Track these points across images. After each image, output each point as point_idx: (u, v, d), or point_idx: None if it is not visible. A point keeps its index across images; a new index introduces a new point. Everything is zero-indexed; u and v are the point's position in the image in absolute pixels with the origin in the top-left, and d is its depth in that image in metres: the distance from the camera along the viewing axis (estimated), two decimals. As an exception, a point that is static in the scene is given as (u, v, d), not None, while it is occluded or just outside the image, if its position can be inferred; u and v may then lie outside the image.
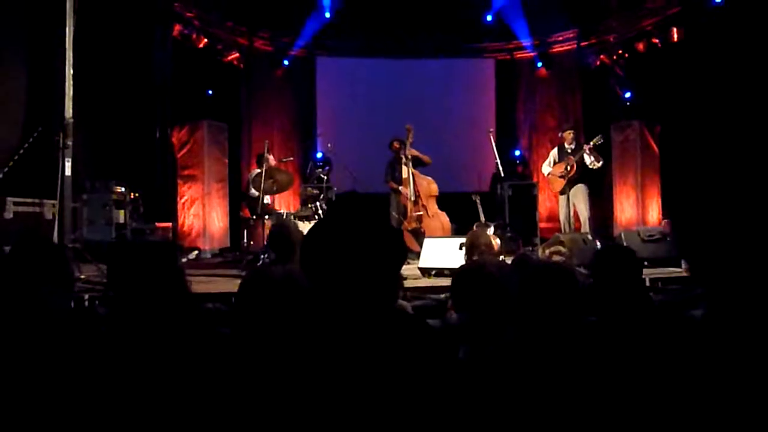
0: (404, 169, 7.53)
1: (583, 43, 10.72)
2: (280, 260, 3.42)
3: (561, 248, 4.28)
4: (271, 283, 1.87)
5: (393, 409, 1.32)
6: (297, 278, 1.83)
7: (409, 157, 7.47)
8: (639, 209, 9.04)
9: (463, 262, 4.08)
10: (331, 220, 1.51)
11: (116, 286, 1.92)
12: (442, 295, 4.61)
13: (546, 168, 8.14)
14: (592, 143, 7.57)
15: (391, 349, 1.37)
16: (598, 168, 7.71)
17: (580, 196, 7.78)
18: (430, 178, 7.57)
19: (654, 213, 9.06)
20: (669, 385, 1.64)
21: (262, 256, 6.22)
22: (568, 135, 7.93)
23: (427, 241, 6.10)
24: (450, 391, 1.39)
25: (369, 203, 1.65)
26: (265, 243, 6.55)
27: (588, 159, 7.60)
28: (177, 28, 8.84)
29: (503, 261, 4.55)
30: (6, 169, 5.77)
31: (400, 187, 7.59)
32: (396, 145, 7.72)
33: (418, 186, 7.41)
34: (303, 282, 1.76)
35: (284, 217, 7.14)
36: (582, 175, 7.73)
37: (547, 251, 4.30)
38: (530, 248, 8.08)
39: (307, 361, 1.37)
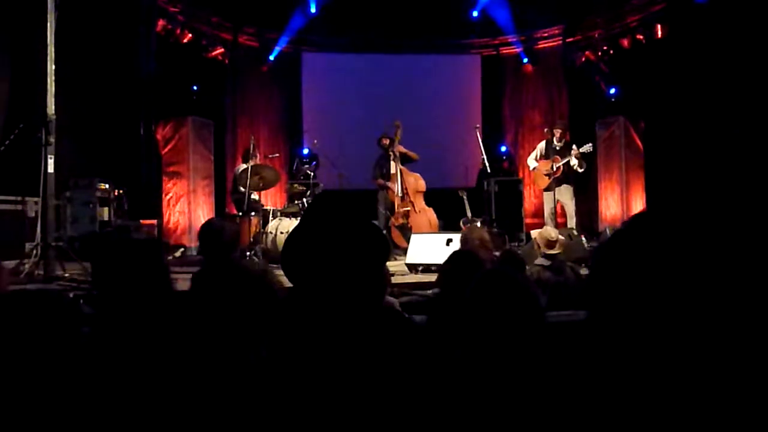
0: (392, 165, 7.54)
1: (568, 39, 10.77)
2: (212, 262, 3.15)
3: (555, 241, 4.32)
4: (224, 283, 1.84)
5: (378, 406, 1.32)
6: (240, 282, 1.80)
7: (397, 153, 7.47)
8: (624, 204, 9.12)
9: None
10: (312, 219, 1.50)
11: (100, 285, 1.90)
12: (429, 291, 4.63)
13: (532, 162, 8.16)
14: (581, 150, 7.54)
15: (376, 346, 1.37)
16: (580, 173, 7.76)
17: (566, 193, 7.82)
18: (417, 174, 7.58)
19: (638, 208, 9.13)
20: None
21: (248, 254, 6.20)
22: (558, 133, 7.95)
23: (414, 237, 6.11)
24: (436, 388, 1.39)
25: (349, 202, 1.64)
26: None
27: (573, 161, 7.65)
28: (161, 23, 8.75)
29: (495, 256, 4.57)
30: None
31: (388, 183, 7.59)
32: (385, 141, 7.72)
33: (406, 182, 7.42)
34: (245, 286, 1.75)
35: (270, 214, 7.12)
36: (567, 175, 7.76)
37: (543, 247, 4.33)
38: (516, 243, 8.12)
39: (295, 360, 1.36)
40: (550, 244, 4.42)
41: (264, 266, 3.19)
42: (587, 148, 7.57)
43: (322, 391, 1.33)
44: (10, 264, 4.88)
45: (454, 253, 3.23)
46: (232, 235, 3.35)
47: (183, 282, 3.04)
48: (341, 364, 1.34)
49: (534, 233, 4.77)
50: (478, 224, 7.40)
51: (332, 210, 1.48)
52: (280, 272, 3.35)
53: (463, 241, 4.41)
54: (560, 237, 4.63)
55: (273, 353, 1.45)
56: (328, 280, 1.38)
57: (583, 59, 10.49)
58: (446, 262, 3.09)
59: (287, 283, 1.64)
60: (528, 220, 9.32)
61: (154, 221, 7.87)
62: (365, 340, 1.38)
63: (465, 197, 7.76)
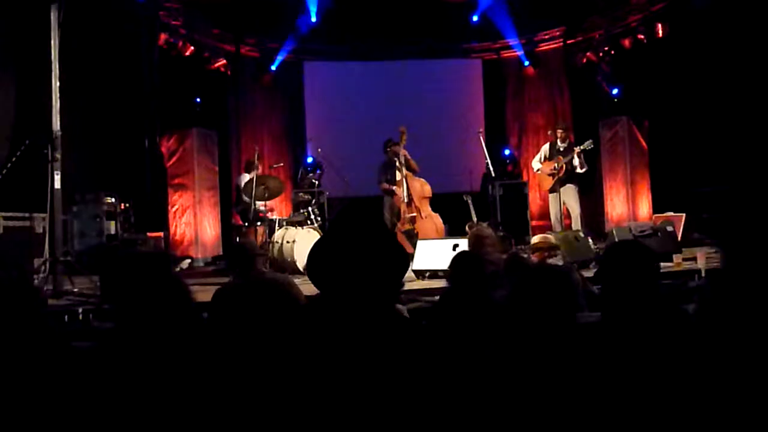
0: (398, 171, 7.54)
1: (569, 41, 10.78)
2: (241, 273, 3.69)
3: (556, 250, 4.31)
4: (246, 294, 1.90)
5: (390, 410, 1.34)
6: (269, 289, 1.88)
7: (403, 160, 7.47)
8: (629, 205, 9.09)
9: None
10: (340, 232, 1.54)
11: (110, 299, 1.92)
12: (437, 297, 4.63)
13: (536, 164, 8.17)
14: (582, 147, 7.57)
15: (386, 352, 1.39)
16: (582, 173, 7.76)
17: (570, 194, 7.81)
18: (423, 179, 7.58)
19: (644, 208, 9.11)
20: (669, 383, 1.65)
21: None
22: (560, 133, 7.96)
23: (420, 244, 6.11)
24: (446, 393, 1.40)
25: (374, 215, 1.68)
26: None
27: (575, 161, 7.65)
28: (163, 36, 8.80)
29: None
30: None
31: (394, 188, 7.59)
32: (392, 147, 7.71)
33: (411, 188, 7.42)
34: (274, 292, 1.84)
35: (276, 223, 7.14)
36: (571, 175, 7.76)
37: (542, 254, 4.33)
38: (522, 247, 8.11)
39: (311, 367, 1.38)
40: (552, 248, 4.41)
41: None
42: (588, 144, 7.59)
43: (332, 393, 1.34)
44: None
45: (458, 255, 3.26)
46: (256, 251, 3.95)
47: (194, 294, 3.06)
48: (353, 366, 1.36)
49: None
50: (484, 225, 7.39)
51: (358, 222, 1.53)
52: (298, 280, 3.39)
53: (473, 238, 4.41)
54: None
55: (290, 357, 1.48)
56: (348, 289, 1.42)
57: (585, 60, 10.48)
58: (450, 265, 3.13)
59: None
60: (533, 223, 9.30)
61: (161, 233, 7.90)
62: (376, 345, 1.40)
63: (470, 201, 7.75)
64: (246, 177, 7.57)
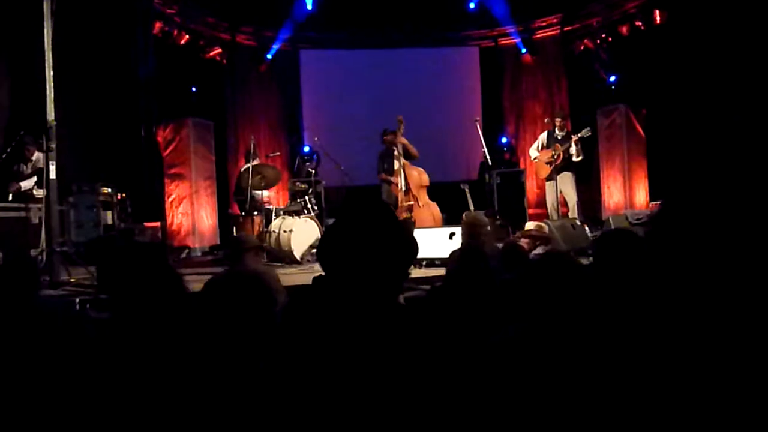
0: (395, 160, 7.52)
1: (566, 28, 10.73)
2: (233, 263, 3.89)
3: (546, 242, 4.31)
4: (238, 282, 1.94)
5: (391, 401, 1.34)
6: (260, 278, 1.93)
7: (401, 149, 7.45)
8: (626, 193, 9.10)
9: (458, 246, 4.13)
10: (354, 221, 1.54)
11: (107, 289, 1.91)
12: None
13: (533, 152, 8.17)
14: (579, 135, 7.58)
15: (388, 341, 1.40)
16: (579, 161, 7.76)
17: (567, 182, 7.82)
18: (420, 168, 7.57)
19: (641, 196, 9.12)
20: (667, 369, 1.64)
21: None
22: (558, 122, 7.96)
23: (417, 232, 6.11)
24: (445, 385, 1.41)
25: (384, 206, 1.70)
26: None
27: (573, 149, 7.65)
28: (158, 25, 8.75)
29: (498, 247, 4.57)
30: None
31: (391, 178, 7.58)
32: (388, 137, 7.69)
33: (409, 177, 7.40)
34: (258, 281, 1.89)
35: (273, 212, 7.14)
36: (568, 163, 7.76)
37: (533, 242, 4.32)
38: (518, 234, 8.11)
39: (309, 355, 1.38)
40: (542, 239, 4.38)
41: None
42: (585, 132, 7.59)
43: (330, 383, 1.35)
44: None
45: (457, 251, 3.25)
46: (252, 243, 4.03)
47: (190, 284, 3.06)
48: (350, 355, 1.37)
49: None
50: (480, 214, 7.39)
51: (369, 210, 1.53)
52: (283, 271, 3.38)
53: (470, 223, 4.40)
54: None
55: (285, 345, 1.48)
56: (356, 277, 1.43)
57: (582, 48, 10.46)
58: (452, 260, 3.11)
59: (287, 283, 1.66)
60: (531, 211, 9.31)
61: (158, 223, 7.89)
62: (375, 334, 1.40)
63: (467, 190, 7.74)
64: (245, 167, 7.56)
